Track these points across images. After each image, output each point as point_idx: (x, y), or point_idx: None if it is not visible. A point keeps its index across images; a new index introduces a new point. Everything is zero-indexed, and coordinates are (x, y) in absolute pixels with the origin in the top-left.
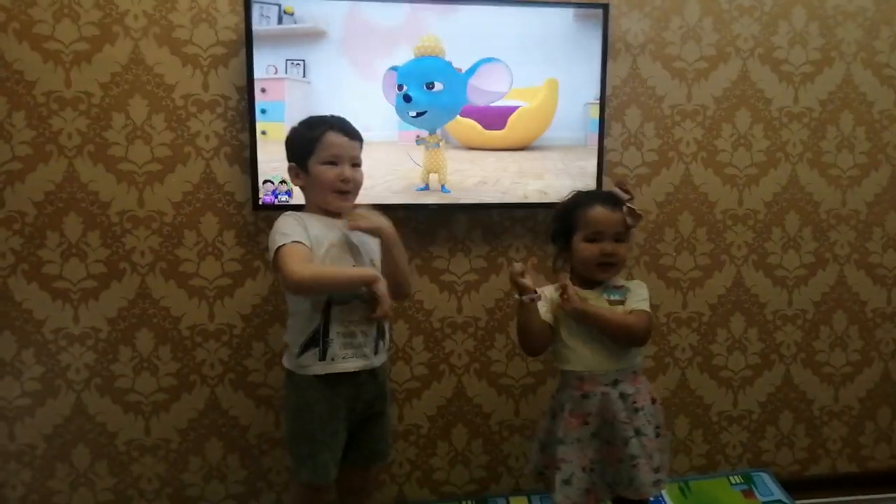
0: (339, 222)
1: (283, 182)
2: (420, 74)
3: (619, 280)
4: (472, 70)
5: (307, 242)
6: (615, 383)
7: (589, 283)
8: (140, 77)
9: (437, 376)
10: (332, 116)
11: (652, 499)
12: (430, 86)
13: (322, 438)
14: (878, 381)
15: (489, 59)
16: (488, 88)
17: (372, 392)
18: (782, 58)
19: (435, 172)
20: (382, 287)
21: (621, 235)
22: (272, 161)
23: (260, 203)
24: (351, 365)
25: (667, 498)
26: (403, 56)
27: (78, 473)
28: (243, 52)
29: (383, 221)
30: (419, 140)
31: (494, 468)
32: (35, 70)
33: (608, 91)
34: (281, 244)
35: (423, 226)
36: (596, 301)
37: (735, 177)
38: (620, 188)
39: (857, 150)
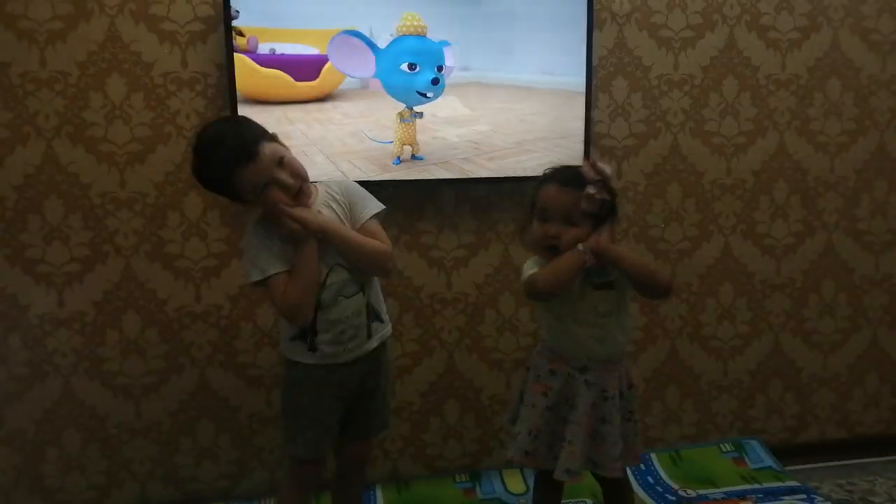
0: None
1: None
2: (433, 57)
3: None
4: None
5: (278, 266)
6: (583, 370)
7: None
8: (117, 55)
9: (428, 352)
10: (218, 141)
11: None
12: (440, 68)
13: (313, 415)
14: (867, 348)
15: (446, 43)
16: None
17: (368, 371)
18: (769, 24)
19: (408, 144)
20: (311, 218)
21: (573, 219)
22: None
23: None
24: (342, 358)
25: (658, 466)
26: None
27: (69, 457)
28: (221, 27)
29: (317, 223)
30: (402, 117)
31: (487, 442)
32: (9, 50)
33: (594, 62)
34: (256, 280)
35: (410, 202)
36: (585, 289)
37: (723, 146)
38: (591, 166)
39: (844, 117)
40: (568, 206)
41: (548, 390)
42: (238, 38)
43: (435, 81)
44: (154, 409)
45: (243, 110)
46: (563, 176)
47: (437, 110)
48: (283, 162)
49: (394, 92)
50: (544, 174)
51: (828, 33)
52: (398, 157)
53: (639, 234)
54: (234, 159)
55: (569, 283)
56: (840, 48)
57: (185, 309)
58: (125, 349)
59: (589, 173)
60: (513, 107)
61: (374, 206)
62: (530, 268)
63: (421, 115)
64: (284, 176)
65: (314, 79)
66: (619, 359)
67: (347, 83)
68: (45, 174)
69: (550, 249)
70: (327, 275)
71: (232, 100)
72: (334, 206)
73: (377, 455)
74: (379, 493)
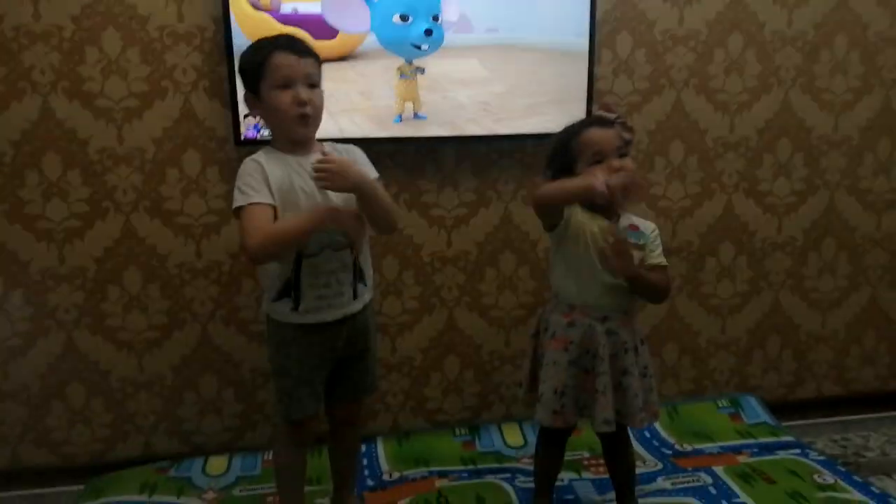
0: (305, 161)
1: None
2: (427, 7)
3: (633, 217)
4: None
5: (266, 197)
6: (603, 319)
7: (604, 211)
8: (112, 8)
9: (429, 310)
10: (281, 35)
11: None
12: (436, 18)
13: (299, 375)
14: (865, 306)
15: None
16: (448, 20)
17: (353, 333)
18: None
19: (410, 101)
20: (342, 216)
21: (623, 150)
22: None
23: (242, 139)
24: (326, 315)
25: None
26: None
27: (74, 410)
28: None
29: (354, 177)
30: (402, 73)
31: (486, 397)
32: (1, 3)
33: (598, 16)
34: (239, 206)
35: (410, 160)
36: (611, 233)
37: (727, 103)
38: (605, 110)
39: (850, 75)
40: (617, 141)
41: (568, 344)
42: None
43: (428, 32)
44: (157, 364)
45: None
46: (595, 120)
47: (452, 71)
48: (311, 84)
49: (389, 46)
50: (568, 130)
51: None
52: (399, 115)
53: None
54: (281, 43)
55: (567, 200)
56: (848, 4)
57: (186, 265)
58: (127, 305)
59: (608, 113)
60: (536, 69)
61: (372, 170)
62: None
63: (422, 70)
64: (305, 93)
65: (333, 38)
66: (634, 311)
67: (368, 44)
68: (43, 129)
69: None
70: None
71: (229, 55)
72: None
73: (378, 408)
74: (380, 446)
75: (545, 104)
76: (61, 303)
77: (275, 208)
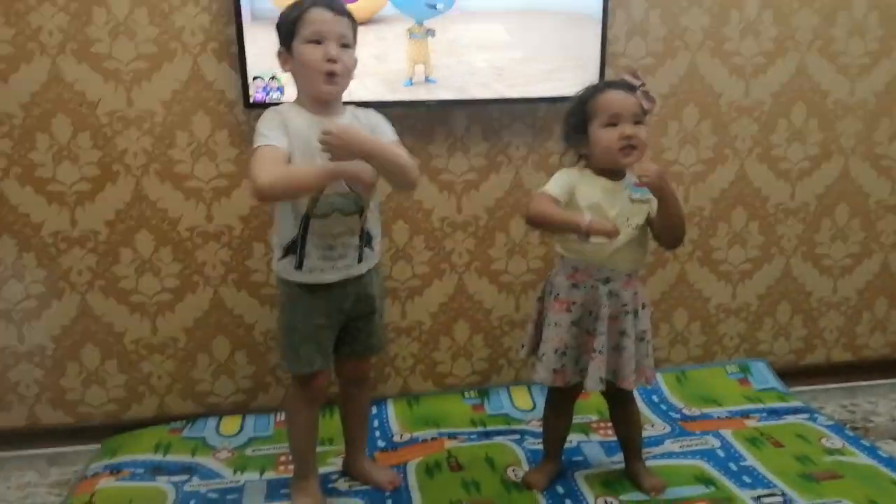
0: (328, 122)
1: (273, 78)
2: None
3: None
4: None
5: (282, 143)
6: (606, 280)
7: (610, 174)
8: None
9: (439, 274)
10: None
11: (635, 388)
12: None
13: (305, 332)
14: (877, 273)
15: None
16: None
17: (360, 295)
18: None
19: (421, 63)
20: (352, 168)
21: (639, 118)
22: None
23: (251, 101)
24: (329, 277)
25: (663, 385)
26: None
27: (89, 372)
28: None
29: (357, 146)
30: (412, 33)
31: (495, 361)
32: None
33: None
34: (257, 144)
35: (421, 124)
36: (618, 197)
37: (742, 67)
38: (631, 76)
39: (868, 38)
40: (636, 108)
41: (571, 305)
42: None
43: None
44: (170, 326)
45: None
46: (620, 83)
47: (474, 35)
48: (344, 44)
49: (402, 6)
50: (589, 90)
51: None
52: (410, 79)
53: (653, 156)
54: (318, 1)
55: (554, 231)
56: None
57: (197, 229)
58: (139, 268)
59: (634, 80)
60: (559, 35)
61: (393, 134)
62: (553, 181)
63: (433, 33)
64: (336, 51)
65: (354, 1)
66: (637, 274)
67: (390, 8)
68: (52, 92)
69: (629, 150)
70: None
71: (237, 16)
72: (358, 125)
73: (388, 372)
74: (390, 408)
75: (560, 69)
76: (74, 265)
77: (289, 155)
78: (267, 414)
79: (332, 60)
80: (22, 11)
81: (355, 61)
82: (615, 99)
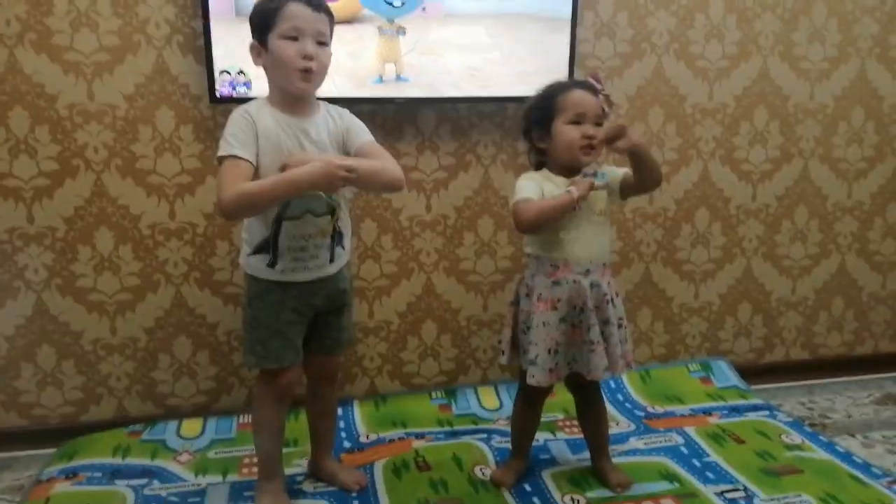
0: (298, 123)
1: (240, 73)
2: None
3: (592, 167)
4: None
5: (249, 151)
6: (586, 273)
7: (567, 172)
8: None
9: (407, 274)
10: None
11: (612, 379)
12: None
13: (273, 327)
14: (834, 273)
15: None
16: None
17: (329, 293)
18: None
19: (391, 62)
20: (316, 176)
21: (600, 120)
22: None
23: (217, 96)
24: (300, 276)
25: (627, 385)
26: None
27: (45, 373)
28: None
29: (340, 179)
30: (382, 30)
31: (463, 361)
32: None
33: None
34: (220, 155)
35: (389, 122)
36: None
37: (706, 70)
38: (594, 79)
39: (828, 43)
40: (598, 109)
41: (556, 303)
42: None
43: None
44: (130, 326)
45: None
46: (583, 83)
47: (452, 36)
48: (321, 42)
49: (367, 2)
50: (555, 86)
51: None
52: (379, 77)
53: (619, 158)
54: None
55: (555, 220)
56: None
57: (159, 226)
58: (98, 266)
59: (597, 84)
60: (543, 39)
61: (368, 134)
62: (524, 188)
63: (404, 31)
64: (312, 48)
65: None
66: (609, 262)
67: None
68: (9, 84)
69: (589, 149)
70: None
71: (204, 8)
72: (331, 125)
73: (356, 372)
74: (356, 408)
75: (532, 70)
76: (30, 263)
77: (255, 168)
78: (230, 416)
79: (308, 58)
80: None
81: (330, 58)
82: (581, 98)
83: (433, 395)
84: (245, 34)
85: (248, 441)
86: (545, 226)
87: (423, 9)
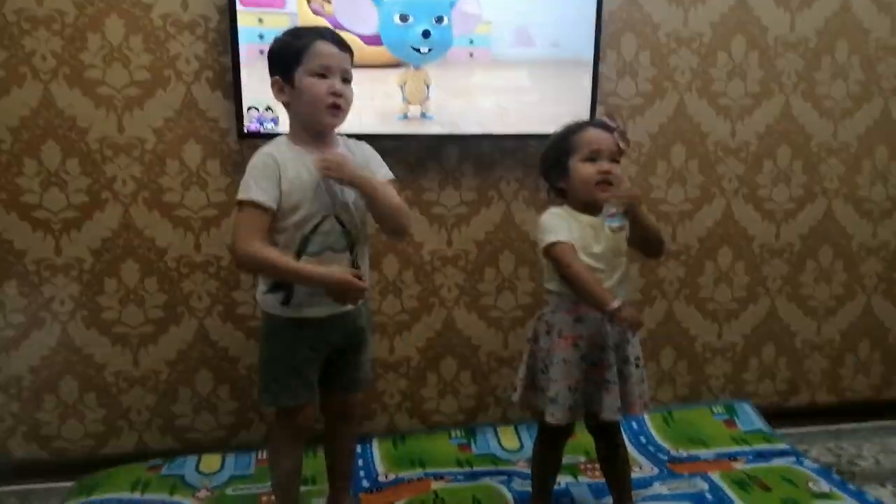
0: (318, 158)
1: (268, 109)
2: (429, 7)
3: (612, 207)
4: (453, 2)
5: (270, 196)
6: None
7: (588, 209)
8: None
9: (427, 309)
10: (322, 26)
11: (634, 421)
12: (439, 20)
13: (289, 364)
14: (860, 315)
15: None
16: (467, 21)
17: (346, 330)
18: None
19: (417, 104)
20: (335, 277)
21: (616, 156)
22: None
23: (245, 131)
24: (317, 311)
25: (650, 426)
26: None
27: (66, 405)
28: None
29: (353, 172)
30: (408, 75)
31: (483, 398)
32: None
33: (604, 16)
34: (240, 199)
35: (412, 157)
36: (601, 233)
37: (729, 108)
38: (609, 117)
39: (850, 81)
40: (613, 146)
41: (577, 340)
42: (326, 4)
43: (426, 34)
44: (152, 359)
45: None
46: (597, 122)
47: (492, 80)
48: (346, 79)
49: (392, 47)
50: (570, 127)
51: None
52: (404, 114)
53: (642, 196)
54: (324, 33)
55: (585, 299)
56: (850, 9)
57: (185, 259)
58: (123, 298)
59: (611, 122)
60: (567, 78)
61: (387, 171)
62: (555, 226)
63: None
64: (339, 85)
65: (381, 44)
66: (628, 300)
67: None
68: (42, 117)
69: (605, 185)
70: (317, 224)
71: (234, 45)
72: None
73: (375, 408)
74: (375, 446)
75: (557, 111)
76: (57, 294)
77: (274, 211)
78: (248, 451)
79: (337, 94)
80: (16, 35)
81: (353, 95)
82: (596, 135)
83: (452, 433)
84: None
85: (267, 478)
86: (570, 288)
87: (471, 55)
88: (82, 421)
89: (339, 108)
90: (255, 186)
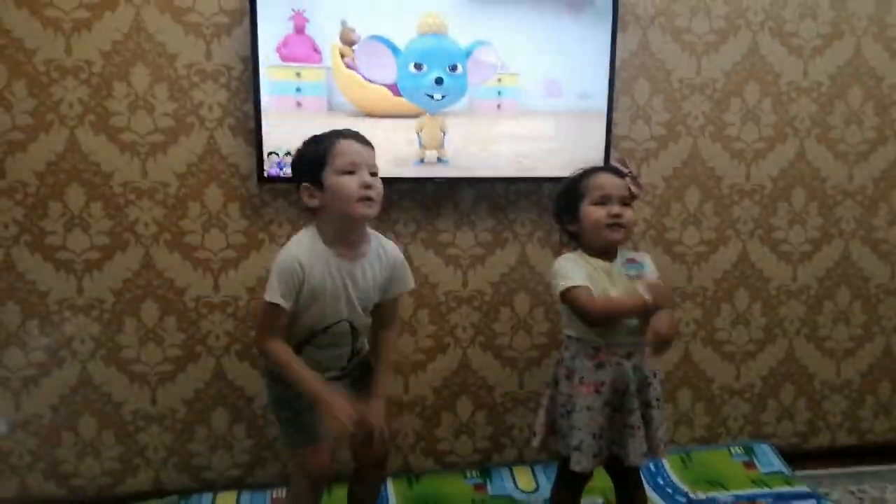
0: (346, 266)
1: (287, 154)
2: (443, 56)
3: (628, 252)
4: (469, 52)
5: (289, 303)
6: (629, 356)
7: (601, 255)
8: (141, 45)
9: (443, 349)
10: (339, 129)
11: (651, 462)
12: (453, 68)
13: (298, 406)
14: (880, 356)
15: (483, 43)
16: (483, 70)
17: (348, 382)
18: (792, 31)
19: (433, 150)
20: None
21: (627, 200)
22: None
23: (265, 175)
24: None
25: (668, 468)
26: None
27: (84, 443)
28: (247, 20)
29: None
30: (424, 122)
31: (498, 439)
32: (34, 37)
33: (617, 63)
34: (267, 297)
35: (429, 200)
36: (616, 278)
37: (743, 151)
38: (621, 164)
39: (865, 125)
40: (624, 190)
41: (599, 386)
42: (357, 59)
43: (439, 81)
44: (170, 397)
45: (343, 121)
46: (609, 167)
47: (517, 128)
48: (374, 173)
49: (407, 95)
50: (582, 172)
51: (850, 41)
52: (420, 159)
53: (656, 237)
54: (345, 132)
55: (621, 320)
56: (863, 55)
57: (203, 299)
58: (143, 337)
59: (623, 167)
60: (581, 123)
61: (409, 283)
62: (570, 271)
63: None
64: (369, 178)
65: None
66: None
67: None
68: (68, 162)
69: (615, 228)
70: (330, 326)
71: (255, 93)
72: (377, 266)
73: (389, 448)
74: (390, 487)
75: (571, 156)
76: (77, 333)
77: (292, 312)
78: (264, 490)
79: (368, 187)
80: (45, 83)
81: (382, 186)
82: (605, 180)
83: (468, 473)
84: (295, 120)
85: None
86: (611, 322)
87: (499, 106)
88: (99, 458)
89: (371, 199)
90: (278, 291)
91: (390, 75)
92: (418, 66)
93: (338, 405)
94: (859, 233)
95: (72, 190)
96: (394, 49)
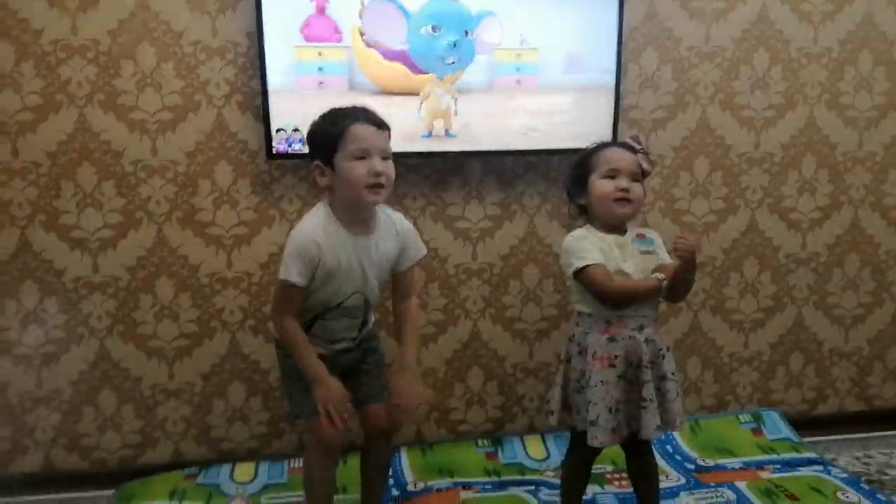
0: (359, 241)
1: (296, 130)
2: (459, 21)
3: (637, 228)
4: (476, 20)
5: (304, 282)
6: (640, 328)
7: (610, 229)
8: (147, 23)
9: (453, 321)
10: (356, 107)
11: (655, 440)
12: (467, 33)
13: (305, 379)
14: (889, 322)
15: (488, 13)
16: (487, 41)
17: (353, 356)
18: None
19: (440, 119)
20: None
21: (637, 176)
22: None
23: (273, 152)
24: (330, 349)
25: (676, 435)
26: None
27: (105, 417)
28: None
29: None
30: (433, 88)
31: (509, 409)
32: (41, 18)
33: (625, 33)
34: (283, 276)
35: (437, 174)
36: (628, 252)
37: (752, 119)
38: (634, 140)
39: (875, 91)
40: (634, 165)
41: (613, 360)
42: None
43: (455, 45)
44: (187, 372)
45: (361, 98)
46: (621, 143)
47: (527, 102)
48: (385, 157)
49: (418, 58)
50: (593, 147)
51: (862, 4)
52: (429, 132)
53: (665, 207)
54: (359, 115)
55: (639, 302)
56: (873, 20)
57: (217, 275)
58: (158, 313)
59: (635, 143)
60: (589, 93)
61: (420, 249)
62: (583, 249)
63: (457, 96)
64: (380, 165)
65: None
66: (659, 317)
67: (469, 80)
68: (78, 141)
69: (623, 202)
70: (344, 300)
71: (262, 69)
72: (390, 240)
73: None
74: (404, 456)
75: (579, 128)
76: (94, 311)
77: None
78: (281, 460)
79: (377, 174)
80: (53, 64)
81: (394, 170)
82: (616, 154)
83: (479, 442)
84: (300, 95)
85: (300, 485)
86: (633, 304)
87: (518, 81)
88: (120, 432)
89: (380, 186)
90: (293, 269)
91: (399, 38)
92: (435, 29)
93: (333, 396)
94: (869, 199)
95: (83, 169)
96: (404, 11)
